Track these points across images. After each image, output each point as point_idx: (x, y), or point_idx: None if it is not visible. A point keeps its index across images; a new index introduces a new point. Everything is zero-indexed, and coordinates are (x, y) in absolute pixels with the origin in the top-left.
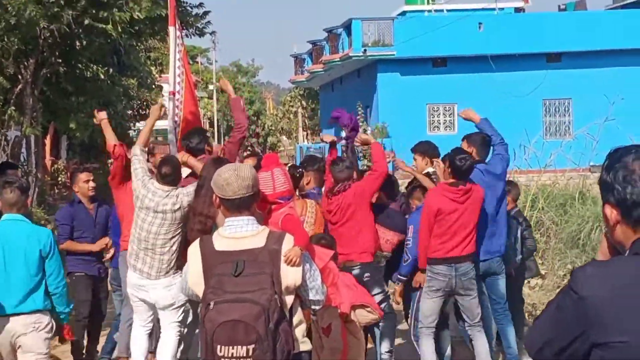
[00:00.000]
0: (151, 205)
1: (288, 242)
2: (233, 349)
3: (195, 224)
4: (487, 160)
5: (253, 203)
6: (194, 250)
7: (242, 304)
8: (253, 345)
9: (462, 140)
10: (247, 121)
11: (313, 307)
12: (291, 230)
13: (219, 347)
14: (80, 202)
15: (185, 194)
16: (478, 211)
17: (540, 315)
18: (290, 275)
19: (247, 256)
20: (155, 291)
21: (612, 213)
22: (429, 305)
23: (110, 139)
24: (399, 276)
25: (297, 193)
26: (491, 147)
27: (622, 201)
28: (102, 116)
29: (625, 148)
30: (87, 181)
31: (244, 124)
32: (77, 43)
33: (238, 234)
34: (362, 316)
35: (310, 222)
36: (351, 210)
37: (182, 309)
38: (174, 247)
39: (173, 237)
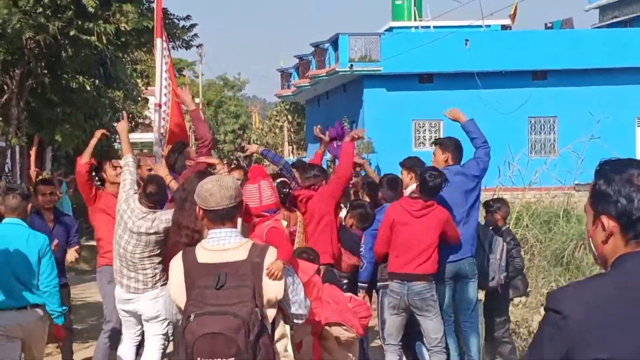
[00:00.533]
0: (128, 223)
1: (271, 255)
2: None
3: (181, 237)
4: (462, 164)
5: (237, 214)
6: (177, 263)
7: (223, 317)
8: (233, 358)
9: (435, 145)
10: (209, 132)
11: (295, 320)
12: (275, 243)
13: (199, 359)
14: (39, 213)
15: (162, 220)
16: (437, 230)
17: (531, 341)
18: (272, 289)
19: (229, 269)
20: (140, 303)
21: (609, 224)
22: (390, 322)
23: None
24: (359, 284)
25: (287, 206)
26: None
27: (625, 215)
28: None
29: (622, 161)
30: (46, 194)
31: (207, 136)
32: (63, 54)
33: (221, 246)
34: (339, 333)
35: (300, 236)
36: (316, 213)
37: (167, 321)
38: (156, 261)
39: (151, 255)
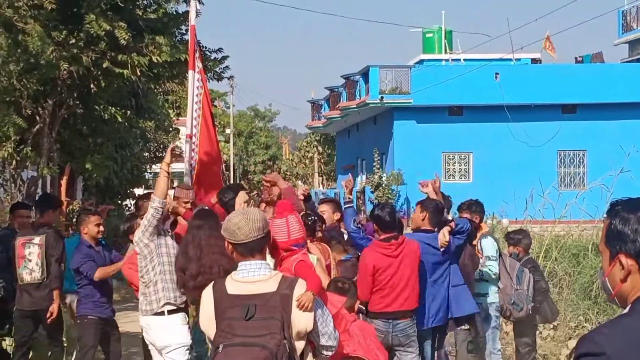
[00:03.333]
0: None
1: (300, 287)
2: None
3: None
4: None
5: (265, 246)
6: (207, 294)
7: (251, 348)
8: None
9: (417, 204)
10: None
11: (325, 352)
12: (304, 276)
13: None
14: (90, 246)
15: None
16: (415, 264)
17: None
18: (301, 321)
19: (259, 300)
20: (152, 331)
21: (627, 263)
22: None
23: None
24: None
25: (315, 239)
26: (443, 215)
27: None
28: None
29: (633, 200)
30: (97, 224)
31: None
32: (95, 85)
33: (250, 278)
34: None
35: (332, 266)
36: None
37: (185, 350)
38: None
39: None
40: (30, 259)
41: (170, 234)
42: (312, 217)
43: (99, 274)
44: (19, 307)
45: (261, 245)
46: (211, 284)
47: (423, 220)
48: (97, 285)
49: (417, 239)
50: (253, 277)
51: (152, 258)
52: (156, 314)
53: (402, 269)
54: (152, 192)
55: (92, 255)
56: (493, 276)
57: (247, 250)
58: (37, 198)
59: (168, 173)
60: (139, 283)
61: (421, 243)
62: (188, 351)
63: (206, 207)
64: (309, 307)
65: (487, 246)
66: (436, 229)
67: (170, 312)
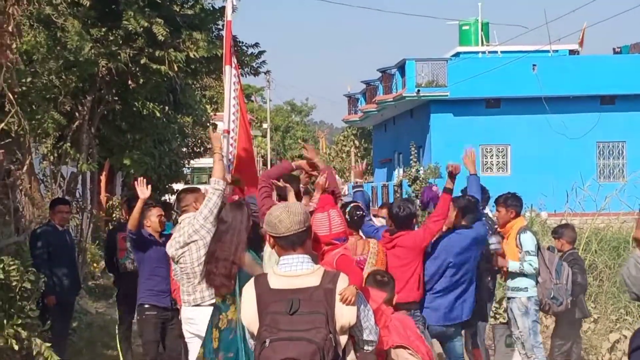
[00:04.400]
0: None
1: (343, 281)
2: None
3: (218, 269)
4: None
5: (306, 239)
6: (249, 289)
7: (298, 342)
8: None
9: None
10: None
11: (366, 347)
12: (346, 270)
13: None
14: (152, 236)
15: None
16: (412, 256)
17: None
18: (345, 315)
19: (302, 295)
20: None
21: None
22: None
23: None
24: None
25: (359, 233)
26: (476, 209)
27: None
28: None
29: None
30: (159, 216)
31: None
32: (134, 81)
33: (293, 272)
34: (404, 357)
35: (371, 262)
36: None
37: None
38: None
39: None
40: (131, 250)
41: None
42: (360, 211)
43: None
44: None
45: (302, 238)
46: (252, 279)
47: (456, 217)
48: (155, 274)
49: (460, 237)
50: (296, 272)
51: (205, 245)
52: (200, 305)
53: (393, 260)
54: (193, 187)
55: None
56: (533, 270)
57: (288, 243)
58: (76, 194)
59: (222, 155)
60: (180, 276)
61: (451, 240)
62: None
63: (239, 202)
64: (352, 302)
65: (526, 241)
66: (473, 226)
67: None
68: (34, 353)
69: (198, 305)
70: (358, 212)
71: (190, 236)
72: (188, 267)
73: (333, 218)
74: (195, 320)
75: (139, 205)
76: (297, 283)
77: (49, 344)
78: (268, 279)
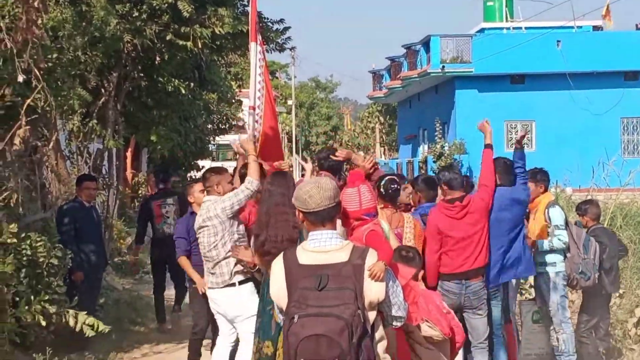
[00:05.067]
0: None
1: (372, 257)
2: None
3: (279, 234)
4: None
5: (336, 215)
6: (278, 265)
7: (326, 318)
8: None
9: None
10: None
11: (395, 323)
12: (375, 245)
13: None
14: (194, 213)
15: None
16: (482, 221)
17: None
18: (374, 290)
19: (331, 270)
20: (222, 302)
21: None
22: None
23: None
24: None
25: (394, 206)
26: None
27: None
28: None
29: None
30: (202, 191)
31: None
32: (159, 58)
33: (322, 247)
34: (423, 330)
35: (409, 237)
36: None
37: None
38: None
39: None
40: (168, 216)
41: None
42: (395, 185)
43: (180, 261)
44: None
45: (332, 214)
46: (281, 254)
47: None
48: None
49: (498, 194)
50: (325, 247)
51: (223, 235)
52: (227, 285)
53: (468, 229)
54: (220, 167)
55: (189, 227)
56: (563, 245)
57: (318, 219)
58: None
59: (256, 157)
60: (203, 259)
61: (502, 198)
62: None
63: (284, 171)
64: (381, 277)
65: (555, 215)
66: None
67: (240, 282)
68: (70, 324)
69: (214, 288)
70: (393, 186)
71: (205, 221)
72: (204, 249)
73: (363, 193)
74: (217, 301)
75: None
76: (325, 259)
77: (84, 312)
78: (297, 254)
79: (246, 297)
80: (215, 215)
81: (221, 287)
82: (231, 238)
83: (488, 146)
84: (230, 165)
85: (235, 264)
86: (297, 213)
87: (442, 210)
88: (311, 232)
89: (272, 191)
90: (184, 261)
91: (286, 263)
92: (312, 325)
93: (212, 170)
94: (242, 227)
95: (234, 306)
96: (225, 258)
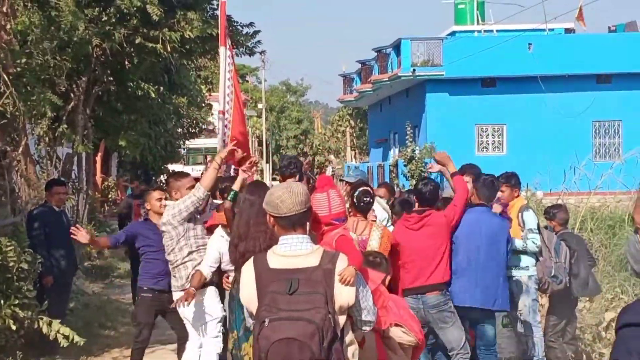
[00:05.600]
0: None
1: (342, 261)
2: None
3: (259, 245)
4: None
5: (307, 220)
6: (248, 269)
7: (297, 322)
8: None
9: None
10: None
11: (364, 327)
12: (345, 250)
13: None
14: (147, 220)
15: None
16: (440, 236)
17: None
18: (344, 295)
19: (302, 275)
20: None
21: None
22: None
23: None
24: None
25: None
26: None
27: None
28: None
29: None
30: (160, 199)
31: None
32: (128, 62)
33: (292, 252)
34: (397, 336)
35: (373, 245)
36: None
37: (218, 322)
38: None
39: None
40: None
41: (201, 224)
42: (369, 198)
43: None
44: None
45: (303, 219)
46: (251, 259)
47: (472, 195)
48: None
49: (474, 214)
50: (295, 252)
51: (178, 240)
52: (185, 289)
53: (422, 241)
54: (182, 172)
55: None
56: (536, 248)
57: (289, 223)
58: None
59: (219, 167)
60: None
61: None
62: (221, 324)
63: (260, 181)
64: (351, 282)
65: (529, 219)
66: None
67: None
68: (43, 331)
69: (176, 291)
70: (366, 198)
71: (162, 225)
72: (166, 252)
73: (333, 198)
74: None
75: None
76: (296, 263)
77: (57, 320)
78: (267, 258)
79: (206, 302)
80: (167, 221)
81: (180, 290)
82: (187, 243)
83: (455, 174)
84: (199, 170)
85: (194, 268)
86: (268, 218)
87: (402, 222)
88: (282, 237)
89: (253, 201)
90: (103, 243)
91: (256, 267)
92: (283, 329)
93: (174, 175)
94: (203, 233)
95: (191, 310)
96: (182, 263)
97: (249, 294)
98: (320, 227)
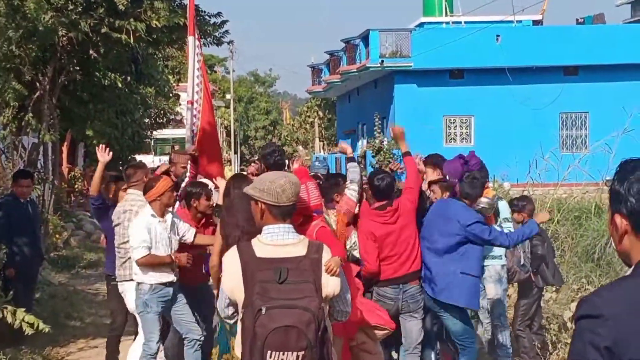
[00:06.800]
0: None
1: (327, 252)
2: (284, 354)
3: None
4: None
5: (295, 211)
6: (232, 257)
7: (294, 310)
8: (303, 352)
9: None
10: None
11: (340, 318)
12: (326, 242)
13: (269, 352)
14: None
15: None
16: (412, 223)
17: (570, 355)
18: (330, 285)
19: (290, 264)
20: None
21: (622, 223)
22: None
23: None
24: None
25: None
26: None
27: (635, 214)
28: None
29: (634, 161)
30: (125, 189)
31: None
32: (95, 51)
33: (279, 241)
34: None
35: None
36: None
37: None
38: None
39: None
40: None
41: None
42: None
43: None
44: None
45: (293, 210)
46: (234, 247)
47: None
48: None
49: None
50: (282, 241)
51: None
52: (129, 280)
53: (401, 232)
54: (140, 163)
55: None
56: None
57: (284, 213)
58: (37, 165)
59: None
60: (116, 251)
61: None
62: None
63: (243, 173)
64: (337, 272)
65: (503, 208)
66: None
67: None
68: (8, 321)
69: (122, 281)
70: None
71: (114, 217)
72: (117, 240)
73: (311, 190)
74: (123, 294)
75: (99, 169)
76: (283, 252)
77: (23, 309)
78: (253, 247)
79: (129, 295)
80: (121, 221)
81: (127, 280)
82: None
83: (406, 154)
84: (166, 159)
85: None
86: (258, 206)
87: (375, 218)
88: (268, 226)
89: (243, 196)
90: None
91: (242, 256)
92: (281, 316)
93: (135, 166)
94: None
95: (132, 302)
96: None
97: (234, 282)
98: (299, 218)
